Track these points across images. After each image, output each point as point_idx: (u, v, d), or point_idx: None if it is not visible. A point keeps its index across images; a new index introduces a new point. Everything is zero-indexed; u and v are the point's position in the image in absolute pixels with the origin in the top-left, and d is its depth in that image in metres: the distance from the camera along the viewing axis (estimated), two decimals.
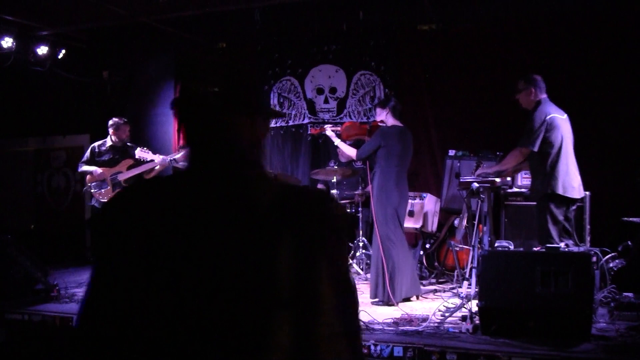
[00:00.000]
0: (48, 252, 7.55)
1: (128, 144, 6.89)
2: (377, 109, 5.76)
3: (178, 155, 6.63)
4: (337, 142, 5.91)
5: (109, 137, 6.78)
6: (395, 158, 5.41)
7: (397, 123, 5.58)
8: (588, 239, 5.87)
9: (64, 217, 9.50)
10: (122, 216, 1.25)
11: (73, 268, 7.21)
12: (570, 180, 5.08)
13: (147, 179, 1.27)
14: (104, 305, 1.23)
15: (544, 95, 5.20)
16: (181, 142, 6.47)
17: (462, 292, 5.13)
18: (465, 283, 5.10)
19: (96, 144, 6.85)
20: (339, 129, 6.02)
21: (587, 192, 5.65)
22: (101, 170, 6.61)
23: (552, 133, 5.03)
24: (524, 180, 6.27)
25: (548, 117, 5.02)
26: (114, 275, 1.22)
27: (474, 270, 4.86)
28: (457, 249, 6.18)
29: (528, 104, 5.24)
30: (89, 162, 6.70)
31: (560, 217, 5.11)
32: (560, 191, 4.99)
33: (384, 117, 5.60)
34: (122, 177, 6.59)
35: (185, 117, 1.33)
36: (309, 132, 8.09)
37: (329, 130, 6.03)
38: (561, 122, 5.11)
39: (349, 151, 5.77)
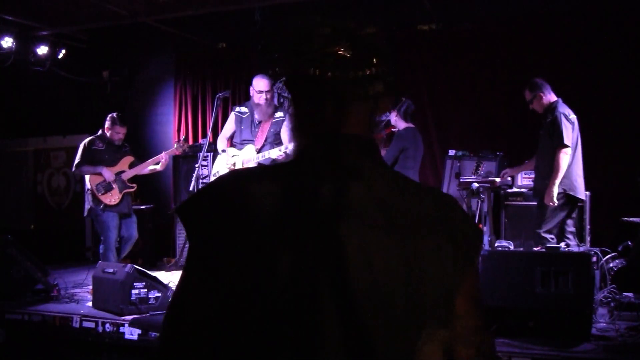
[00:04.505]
0: (48, 252, 7.54)
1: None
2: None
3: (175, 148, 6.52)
4: None
5: (101, 134, 6.34)
6: (410, 160, 5.53)
7: (409, 125, 5.63)
8: (588, 239, 5.87)
9: (64, 217, 9.50)
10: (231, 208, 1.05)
11: (73, 268, 7.20)
12: (579, 182, 5.15)
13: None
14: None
15: (555, 97, 5.22)
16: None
17: None
18: None
19: (86, 141, 6.31)
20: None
21: (587, 192, 5.66)
22: (107, 170, 6.20)
23: (573, 134, 5.07)
24: (524, 180, 6.26)
25: (571, 117, 5.07)
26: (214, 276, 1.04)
27: None
28: None
29: (543, 107, 5.24)
30: (88, 162, 6.22)
31: (562, 214, 5.13)
32: (570, 192, 5.05)
33: (394, 120, 5.65)
34: (125, 177, 6.28)
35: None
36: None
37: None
38: (577, 124, 5.15)
39: None
